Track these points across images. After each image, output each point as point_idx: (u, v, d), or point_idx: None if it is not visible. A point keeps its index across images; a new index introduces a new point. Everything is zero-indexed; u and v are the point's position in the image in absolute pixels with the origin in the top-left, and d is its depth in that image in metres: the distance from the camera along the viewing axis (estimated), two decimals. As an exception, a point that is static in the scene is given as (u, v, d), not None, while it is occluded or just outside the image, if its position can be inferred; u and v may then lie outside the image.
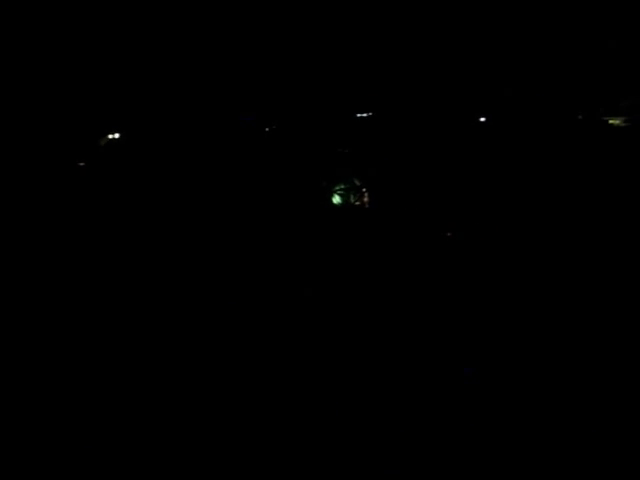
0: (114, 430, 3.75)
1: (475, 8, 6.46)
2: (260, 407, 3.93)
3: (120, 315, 5.28)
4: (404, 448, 3.54)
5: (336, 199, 6.86)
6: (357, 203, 6.88)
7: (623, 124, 6.78)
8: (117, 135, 6.71)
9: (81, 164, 6.60)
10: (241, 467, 3.50)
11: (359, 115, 7.05)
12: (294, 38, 6.55)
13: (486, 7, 6.45)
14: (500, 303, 5.21)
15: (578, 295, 5.13)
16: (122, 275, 5.79)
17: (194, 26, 6.34)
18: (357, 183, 6.90)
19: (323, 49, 6.64)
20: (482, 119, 6.98)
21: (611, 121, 6.81)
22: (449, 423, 3.70)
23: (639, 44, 6.32)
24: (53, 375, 4.32)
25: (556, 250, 5.88)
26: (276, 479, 3.42)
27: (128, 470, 3.50)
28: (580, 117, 6.87)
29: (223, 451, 3.60)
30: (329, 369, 4.30)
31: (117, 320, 5.19)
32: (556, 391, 3.89)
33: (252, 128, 6.93)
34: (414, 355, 4.53)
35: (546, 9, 6.37)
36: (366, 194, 6.92)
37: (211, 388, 4.21)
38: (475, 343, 4.62)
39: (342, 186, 6.87)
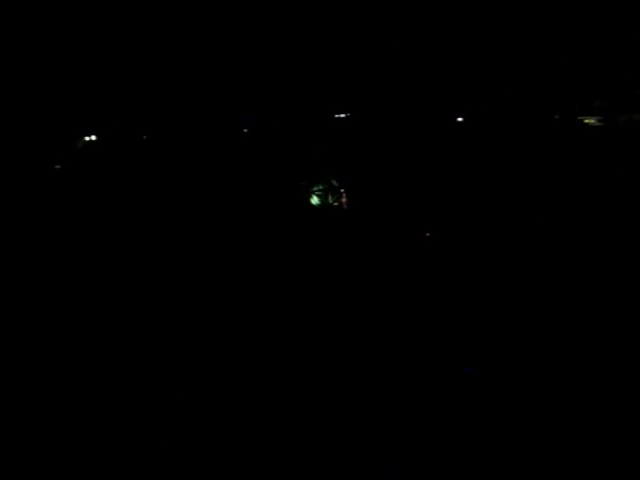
0: (113, 429, 3.73)
1: (450, 14, 6.49)
2: (255, 404, 3.93)
3: (93, 314, 5.25)
4: (403, 445, 3.56)
5: (314, 200, 6.85)
6: (335, 204, 6.88)
7: (597, 123, 6.86)
8: (94, 137, 6.65)
9: (57, 167, 6.55)
10: (240, 463, 3.49)
11: (337, 116, 7.06)
12: (272, 42, 6.54)
13: (461, 13, 6.48)
14: (479, 300, 5.24)
15: (559, 291, 5.16)
16: (101, 273, 5.76)
17: (167, 35, 6.31)
18: (335, 184, 6.90)
19: (302, 51, 6.64)
20: (459, 119, 7.03)
21: (586, 120, 6.88)
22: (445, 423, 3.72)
23: (612, 48, 6.39)
24: (48, 373, 4.29)
25: (539, 246, 5.91)
26: (277, 475, 3.42)
27: (127, 469, 3.48)
28: (556, 117, 6.93)
29: (222, 448, 3.60)
30: (320, 367, 4.30)
31: (89, 318, 5.17)
32: (554, 389, 3.91)
33: (232, 129, 6.91)
34: (400, 352, 4.54)
35: (522, 14, 6.42)
36: (344, 195, 6.92)
37: (208, 381, 4.20)
38: (456, 340, 4.64)
39: (320, 187, 6.86)
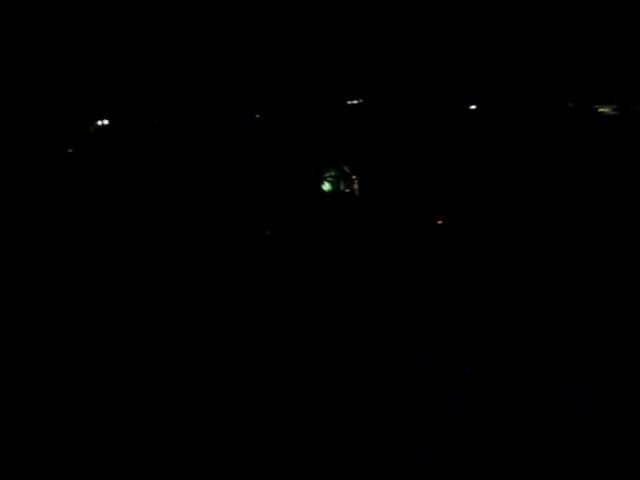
0: (113, 429, 3.77)
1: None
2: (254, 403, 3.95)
3: (104, 306, 5.27)
4: (402, 445, 3.58)
5: (326, 186, 6.84)
6: (347, 190, 6.87)
7: (612, 112, 6.79)
8: (106, 122, 6.67)
9: (69, 151, 6.57)
10: (240, 466, 3.52)
11: (349, 102, 7.03)
12: (284, 24, 6.51)
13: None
14: (491, 293, 5.21)
15: (572, 287, 5.12)
16: (112, 265, 5.79)
17: (178, 20, 6.29)
18: (347, 170, 6.89)
19: (314, 34, 6.61)
20: (472, 107, 6.98)
21: (601, 109, 6.81)
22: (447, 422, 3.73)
23: (628, 35, 6.31)
24: (49, 374, 4.32)
25: (551, 239, 5.88)
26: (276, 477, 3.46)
27: (127, 469, 3.52)
28: (570, 105, 6.87)
29: (222, 448, 3.63)
30: (325, 363, 4.31)
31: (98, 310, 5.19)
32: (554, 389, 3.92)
33: (242, 116, 6.91)
34: (404, 347, 4.54)
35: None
36: (356, 181, 6.91)
37: (208, 378, 4.22)
38: (463, 335, 4.63)
39: (332, 173, 6.85)
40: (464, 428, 3.68)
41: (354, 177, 6.90)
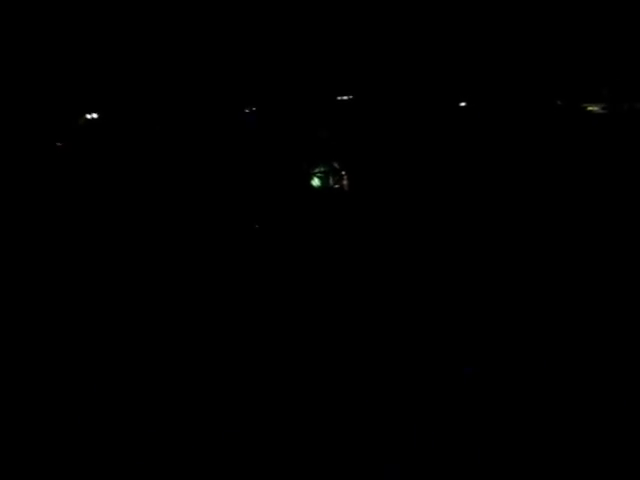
0: (113, 430, 3.74)
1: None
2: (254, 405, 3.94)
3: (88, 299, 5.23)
4: (403, 445, 3.59)
5: (315, 182, 6.84)
6: (336, 186, 6.87)
7: (601, 111, 6.84)
8: (95, 115, 6.61)
9: (58, 144, 6.51)
10: (240, 465, 3.51)
11: (339, 98, 7.02)
12: (277, 19, 6.48)
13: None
14: (491, 292, 5.21)
15: (572, 287, 5.14)
16: (105, 260, 5.75)
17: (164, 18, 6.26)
18: (336, 166, 6.89)
19: (306, 31, 6.59)
20: (462, 104, 7.00)
21: (590, 108, 6.86)
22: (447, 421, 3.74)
23: (619, 34, 6.35)
24: (49, 374, 4.28)
25: (551, 239, 5.89)
26: (276, 477, 3.44)
27: (127, 470, 3.50)
28: (559, 103, 6.91)
29: (222, 448, 3.62)
30: (323, 363, 4.30)
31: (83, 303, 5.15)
32: (555, 390, 3.93)
33: (230, 111, 6.88)
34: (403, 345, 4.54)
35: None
36: (345, 177, 6.91)
37: (205, 373, 4.20)
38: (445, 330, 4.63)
39: (321, 169, 6.85)
40: (464, 428, 3.69)
41: (343, 173, 6.90)
